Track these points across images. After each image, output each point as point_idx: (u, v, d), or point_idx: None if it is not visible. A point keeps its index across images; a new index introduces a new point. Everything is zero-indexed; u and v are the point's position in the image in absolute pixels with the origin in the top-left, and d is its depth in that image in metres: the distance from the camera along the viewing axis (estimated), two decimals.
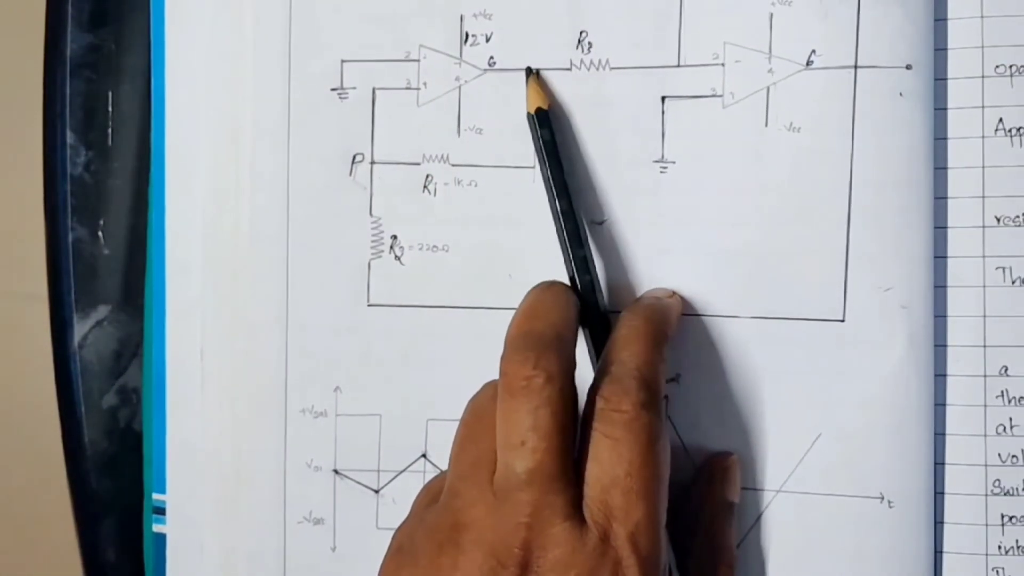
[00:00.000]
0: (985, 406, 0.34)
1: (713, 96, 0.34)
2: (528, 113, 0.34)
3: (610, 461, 0.28)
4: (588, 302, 0.33)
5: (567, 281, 0.33)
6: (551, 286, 0.33)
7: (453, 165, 0.36)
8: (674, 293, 0.34)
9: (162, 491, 0.38)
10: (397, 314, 0.36)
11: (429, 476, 0.36)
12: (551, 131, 0.34)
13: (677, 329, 0.34)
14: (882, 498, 0.34)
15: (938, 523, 0.34)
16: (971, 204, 0.34)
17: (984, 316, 0.34)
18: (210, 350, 0.37)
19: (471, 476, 0.29)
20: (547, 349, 0.29)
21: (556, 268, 0.34)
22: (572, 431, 0.29)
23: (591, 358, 0.33)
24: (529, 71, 0.35)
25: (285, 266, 0.37)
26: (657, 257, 0.35)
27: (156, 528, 0.39)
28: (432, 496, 0.32)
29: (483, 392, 0.31)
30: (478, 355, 0.35)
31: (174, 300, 0.38)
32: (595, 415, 0.29)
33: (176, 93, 0.38)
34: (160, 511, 0.39)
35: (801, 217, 0.34)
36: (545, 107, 0.34)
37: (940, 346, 0.34)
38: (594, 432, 0.29)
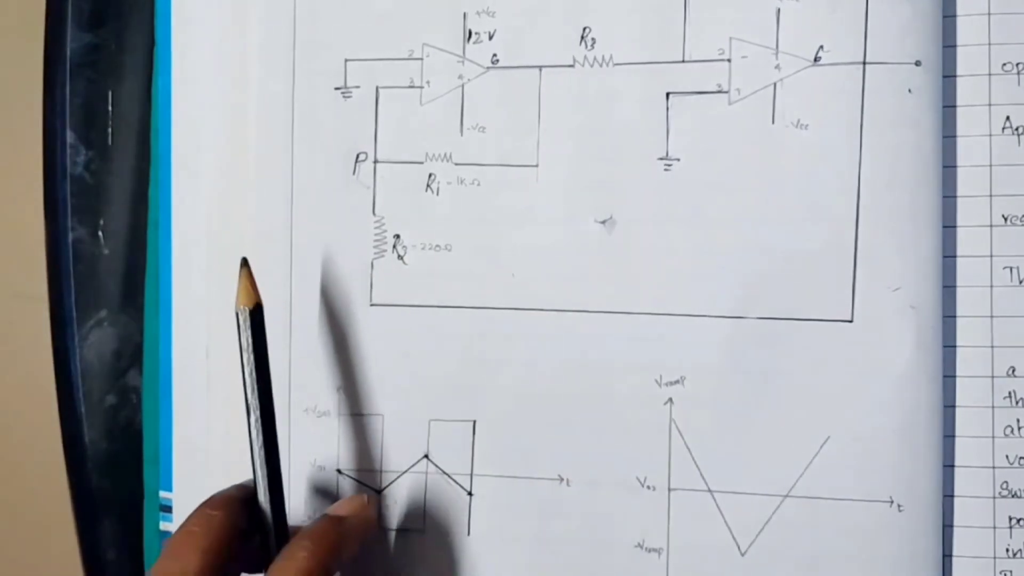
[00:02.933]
0: (993, 407, 0.34)
1: (719, 92, 0.34)
2: (236, 310, 0.32)
3: None
4: (278, 519, 0.32)
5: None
6: (202, 517, 0.31)
7: (456, 164, 0.36)
8: (368, 500, 0.33)
9: (168, 489, 0.39)
10: (400, 314, 0.36)
11: (431, 476, 0.36)
12: (261, 331, 0.32)
13: (360, 544, 0.33)
14: (891, 502, 0.33)
15: (946, 526, 0.34)
16: (979, 203, 0.34)
17: (991, 316, 0.33)
18: (215, 349, 0.37)
19: None
20: None
21: (557, 268, 0.34)
22: None
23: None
24: (244, 263, 0.33)
25: (288, 265, 0.36)
26: (661, 256, 0.34)
27: (163, 526, 0.39)
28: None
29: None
30: (481, 355, 0.35)
31: (179, 299, 0.38)
32: None
33: (181, 92, 0.38)
34: (167, 509, 0.39)
35: (809, 216, 0.34)
36: (251, 306, 0.32)
37: (949, 347, 0.34)
38: None
